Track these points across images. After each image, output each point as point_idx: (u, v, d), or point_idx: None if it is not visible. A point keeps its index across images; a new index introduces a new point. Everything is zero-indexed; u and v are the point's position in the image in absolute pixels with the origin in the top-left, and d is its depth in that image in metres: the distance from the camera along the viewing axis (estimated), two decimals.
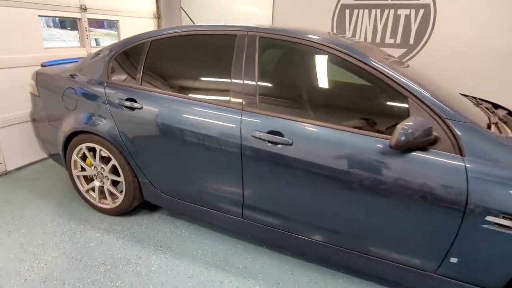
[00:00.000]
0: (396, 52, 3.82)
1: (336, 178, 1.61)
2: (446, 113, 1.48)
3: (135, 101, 2.06)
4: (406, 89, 1.54)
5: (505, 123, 1.79)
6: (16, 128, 3.03)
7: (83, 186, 2.47)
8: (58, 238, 2.14)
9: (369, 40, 3.93)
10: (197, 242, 2.17)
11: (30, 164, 3.19)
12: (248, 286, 1.83)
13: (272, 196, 1.82)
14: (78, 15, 3.51)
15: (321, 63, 1.86)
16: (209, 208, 2.07)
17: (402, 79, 1.56)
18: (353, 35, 4.01)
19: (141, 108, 2.04)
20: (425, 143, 1.43)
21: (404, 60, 2.78)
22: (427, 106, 1.50)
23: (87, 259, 1.98)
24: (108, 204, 2.39)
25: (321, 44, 1.74)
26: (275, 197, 1.82)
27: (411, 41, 3.73)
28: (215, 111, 1.87)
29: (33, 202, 2.52)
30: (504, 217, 1.37)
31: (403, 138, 1.35)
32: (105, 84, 2.19)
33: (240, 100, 1.83)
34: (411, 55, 3.78)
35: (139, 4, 4.35)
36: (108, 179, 2.32)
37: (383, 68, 1.60)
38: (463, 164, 1.42)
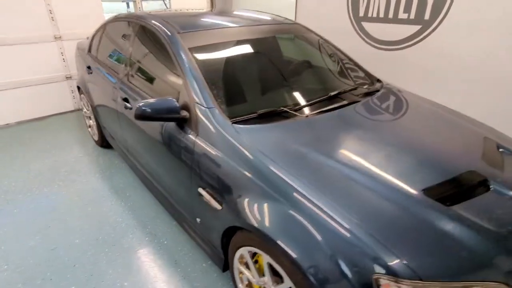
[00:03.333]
0: (410, 30, 3.31)
1: (144, 135, 2.09)
2: (197, 100, 1.68)
3: (89, 68, 2.94)
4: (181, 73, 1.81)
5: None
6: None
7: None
8: None
9: (381, 16, 3.50)
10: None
11: None
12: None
13: (131, 143, 2.41)
14: None
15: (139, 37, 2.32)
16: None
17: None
18: (366, 10, 3.64)
19: (91, 73, 2.90)
20: (171, 118, 1.71)
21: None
22: (188, 91, 1.73)
23: None
24: None
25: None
26: (133, 145, 2.40)
27: (427, 16, 3.16)
28: (111, 80, 2.54)
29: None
30: (203, 189, 1.58)
31: (137, 112, 1.68)
32: (85, 53, 3.16)
33: (121, 74, 2.42)
34: (426, 33, 3.22)
35: None
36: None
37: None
38: (194, 140, 1.64)
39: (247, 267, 1.52)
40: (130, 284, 1.84)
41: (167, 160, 1.89)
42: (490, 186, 1.30)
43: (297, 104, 1.79)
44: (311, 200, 1.19)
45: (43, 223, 2.33)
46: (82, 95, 3.40)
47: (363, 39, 3.78)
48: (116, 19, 2.72)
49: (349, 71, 2.39)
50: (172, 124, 1.80)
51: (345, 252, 1.08)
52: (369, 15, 3.63)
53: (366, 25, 3.70)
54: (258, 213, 1.29)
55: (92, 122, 3.35)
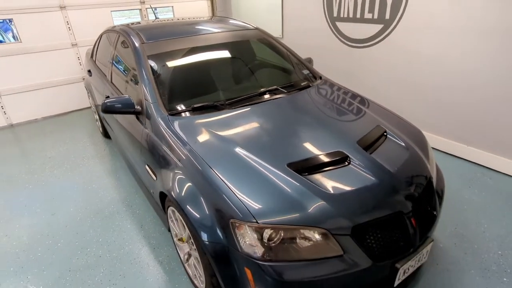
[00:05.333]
0: (373, 29, 3.58)
1: (122, 127, 2.62)
2: (146, 97, 2.16)
3: (90, 72, 3.54)
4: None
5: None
6: None
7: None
8: None
9: (351, 16, 3.79)
10: None
11: None
12: None
13: (117, 134, 2.94)
14: (139, 7, 5.21)
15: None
16: None
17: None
18: (339, 11, 3.93)
19: (91, 76, 3.50)
20: (128, 112, 2.20)
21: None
22: (141, 90, 2.22)
23: None
24: None
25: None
26: (118, 135, 2.93)
27: (387, 15, 3.42)
28: (101, 80, 3.11)
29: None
30: (147, 165, 2.07)
31: (102, 106, 2.19)
32: (89, 57, 3.77)
33: (107, 76, 2.98)
34: (387, 31, 3.48)
35: None
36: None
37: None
38: (142, 128, 2.14)
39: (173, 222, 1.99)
40: (103, 240, 2.38)
41: (133, 145, 2.40)
42: (349, 163, 1.66)
43: (229, 99, 2.22)
44: (204, 172, 1.62)
45: (49, 196, 2.95)
46: (89, 94, 4.04)
47: (338, 37, 4.07)
48: (107, 30, 3.28)
49: (296, 69, 2.75)
50: (133, 117, 2.30)
51: (217, 206, 1.50)
52: (341, 15, 3.92)
53: (340, 24, 3.99)
54: (171, 182, 1.74)
55: (96, 116, 3.97)
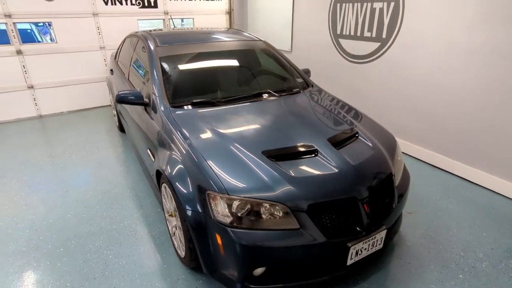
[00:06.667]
0: (372, 46, 3.85)
1: (132, 119, 2.96)
2: (154, 91, 2.51)
3: (112, 71, 3.97)
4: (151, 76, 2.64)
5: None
6: None
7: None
8: None
9: (352, 33, 4.07)
10: None
11: None
12: None
13: (129, 127, 3.30)
14: (163, 17, 5.70)
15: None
16: None
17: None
18: (342, 28, 4.23)
19: (112, 74, 3.92)
20: (137, 103, 2.55)
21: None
22: (150, 85, 2.57)
23: None
24: None
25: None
26: (130, 128, 3.29)
27: (384, 34, 3.69)
28: (121, 78, 3.51)
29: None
30: (149, 149, 2.40)
31: (116, 97, 2.54)
32: (113, 59, 4.22)
33: (126, 74, 3.38)
34: (384, 49, 3.74)
35: (212, 4, 6.10)
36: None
37: None
38: (148, 118, 2.48)
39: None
40: (107, 214, 2.71)
41: (140, 135, 2.74)
42: (316, 155, 1.92)
43: (224, 97, 2.53)
44: (192, 153, 1.92)
45: (65, 176, 3.33)
46: (110, 91, 4.48)
47: (340, 53, 4.36)
48: (130, 35, 3.70)
49: (291, 77, 3.05)
50: (142, 110, 2.65)
51: (198, 182, 1.78)
52: (344, 32, 4.21)
53: (342, 41, 4.28)
54: (165, 162, 2.05)
55: (114, 112, 4.39)
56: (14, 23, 4.62)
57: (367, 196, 1.80)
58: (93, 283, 2.04)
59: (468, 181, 3.18)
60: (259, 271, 1.75)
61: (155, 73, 2.61)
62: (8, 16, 4.54)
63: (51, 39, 4.99)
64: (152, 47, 2.87)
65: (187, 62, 2.82)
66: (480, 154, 3.04)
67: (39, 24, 5.11)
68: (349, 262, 1.80)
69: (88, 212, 2.74)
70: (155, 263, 2.20)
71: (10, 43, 4.69)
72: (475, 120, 3.01)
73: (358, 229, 1.77)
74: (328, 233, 1.70)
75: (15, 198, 2.96)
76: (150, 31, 3.35)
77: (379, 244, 1.89)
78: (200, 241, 1.79)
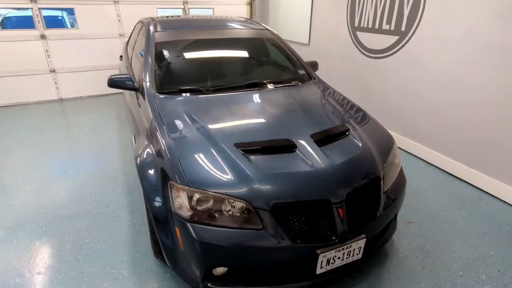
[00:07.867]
0: (390, 40, 3.57)
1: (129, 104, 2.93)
2: (144, 77, 2.45)
3: (121, 57, 4.00)
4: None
5: None
6: None
7: None
8: None
9: (370, 26, 3.80)
10: None
11: None
12: None
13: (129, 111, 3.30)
14: (181, 6, 5.69)
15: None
16: None
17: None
18: (360, 20, 3.96)
19: (121, 60, 3.95)
20: (128, 87, 2.51)
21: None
22: (142, 71, 2.51)
23: None
24: None
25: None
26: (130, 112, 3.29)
27: (403, 27, 3.40)
28: (125, 63, 3.51)
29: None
30: (133, 135, 2.34)
31: (108, 81, 2.51)
32: (125, 45, 4.26)
33: (129, 58, 3.37)
34: (402, 43, 3.45)
35: None
36: None
37: None
38: (137, 102, 2.43)
39: None
40: (95, 198, 2.71)
41: (131, 120, 2.71)
42: (294, 151, 1.76)
43: (213, 87, 2.42)
44: (162, 142, 1.83)
45: (67, 158, 3.40)
46: None
47: (357, 47, 4.09)
48: (139, 22, 3.69)
49: (291, 69, 2.88)
50: (134, 96, 2.61)
51: (164, 173, 1.69)
52: (362, 25, 3.94)
53: (360, 34, 4.01)
54: (140, 149, 1.98)
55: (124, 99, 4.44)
56: (39, 8, 4.80)
57: (343, 200, 1.62)
58: (63, 266, 2.03)
59: (487, 193, 2.84)
60: (220, 270, 1.64)
61: (148, 58, 2.56)
62: (34, 1, 4.72)
63: (71, 25, 5.14)
64: (150, 32, 2.81)
65: (182, 49, 2.74)
66: (504, 164, 2.70)
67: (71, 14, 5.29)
68: (319, 271, 1.64)
69: (79, 195, 2.77)
70: (128, 251, 2.16)
71: (35, 28, 4.87)
72: (500, 127, 2.67)
73: (331, 236, 1.60)
74: (294, 237, 1.55)
75: (16, 175, 3.06)
76: (158, 17, 3.31)
77: (356, 254, 1.71)
78: (161, 233, 1.71)
